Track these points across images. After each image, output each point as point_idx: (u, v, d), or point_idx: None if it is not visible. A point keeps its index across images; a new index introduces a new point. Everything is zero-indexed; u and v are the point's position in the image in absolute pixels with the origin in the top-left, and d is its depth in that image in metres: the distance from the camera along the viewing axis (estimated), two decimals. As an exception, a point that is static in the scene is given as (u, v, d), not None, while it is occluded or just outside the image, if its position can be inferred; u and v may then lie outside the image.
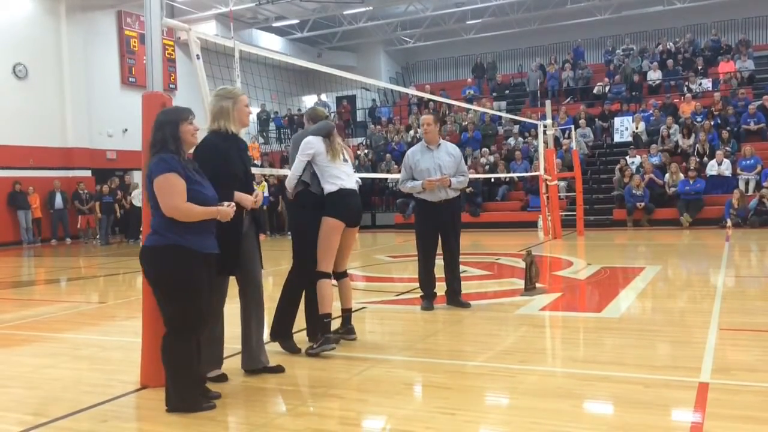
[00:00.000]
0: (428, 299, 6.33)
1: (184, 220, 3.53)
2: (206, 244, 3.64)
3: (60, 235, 18.15)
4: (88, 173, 19.36)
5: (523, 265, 7.29)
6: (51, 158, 18.56)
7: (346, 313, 5.19)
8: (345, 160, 4.92)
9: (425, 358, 4.70)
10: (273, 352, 4.71)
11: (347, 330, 5.19)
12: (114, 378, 4.38)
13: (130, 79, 20.83)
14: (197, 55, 4.67)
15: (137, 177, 18.19)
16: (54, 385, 4.30)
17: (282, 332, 4.91)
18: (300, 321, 5.10)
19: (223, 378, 4.14)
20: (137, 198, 17.07)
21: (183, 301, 3.56)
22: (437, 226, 6.25)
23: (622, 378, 3.97)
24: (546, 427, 3.26)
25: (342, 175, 4.85)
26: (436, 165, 6.21)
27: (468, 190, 17.30)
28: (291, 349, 4.85)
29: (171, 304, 3.59)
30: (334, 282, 5.02)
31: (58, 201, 17.96)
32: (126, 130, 19.90)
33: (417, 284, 6.60)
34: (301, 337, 5.16)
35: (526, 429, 3.26)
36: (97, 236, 17.91)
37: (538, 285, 7.10)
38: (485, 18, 25.14)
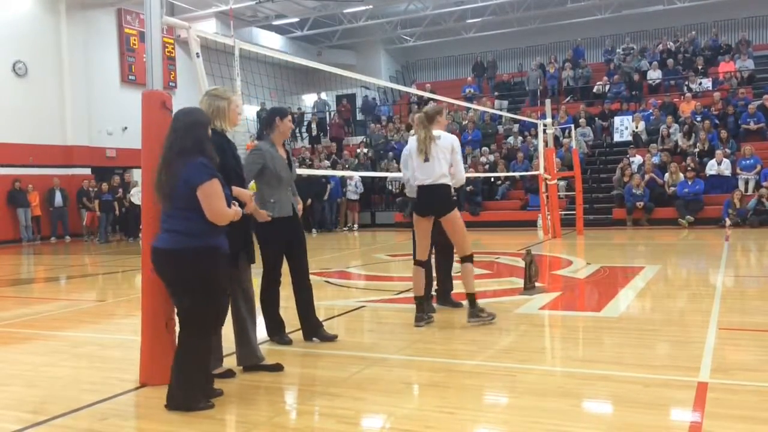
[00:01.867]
0: (428, 302, 6.20)
1: (222, 224, 3.59)
2: (226, 244, 3.74)
3: (59, 233, 18.14)
4: (87, 171, 19.34)
5: (522, 264, 7.29)
6: (51, 156, 18.54)
7: (467, 298, 5.57)
8: (426, 160, 5.41)
9: (424, 357, 4.70)
10: (271, 350, 4.71)
11: (469, 312, 5.53)
12: (113, 376, 4.38)
13: (130, 77, 20.80)
14: (197, 54, 4.68)
15: (137, 175, 18.18)
16: (53, 384, 4.30)
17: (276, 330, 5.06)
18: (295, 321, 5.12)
19: (230, 374, 4.16)
20: (136, 196, 17.04)
21: (213, 300, 3.64)
22: (434, 228, 6.16)
23: (621, 377, 3.97)
24: (545, 426, 3.26)
25: (417, 174, 5.50)
26: None
27: (468, 188, 17.32)
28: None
29: (201, 304, 3.61)
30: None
31: (58, 199, 17.96)
32: (126, 128, 19.88)
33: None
34: (297, 336, 5.17)
35: (526, 428, 3.26)
36: (98, 234, 17.89)
37: (537, 284, 7.10)
38: (485, 17, 25.12)
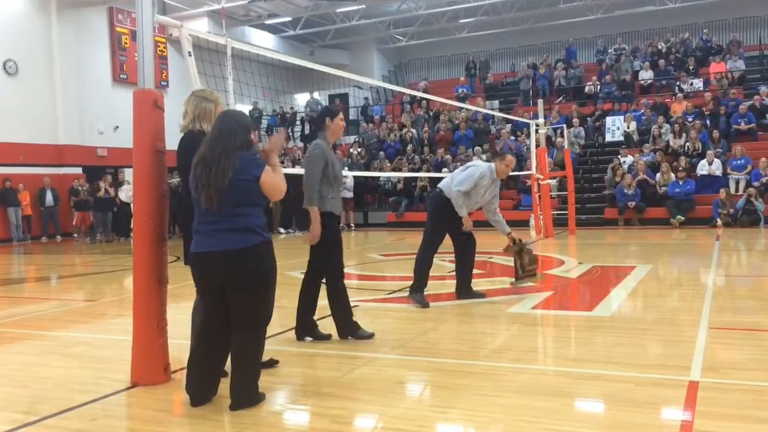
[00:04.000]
0: (423, 295, 6.38)
1: (281, 197, 3.72)
2: None
3: (50, 233, 18.05)
4: (78, 170, 19.24)
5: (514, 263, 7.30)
6: (41, 155, 18.43)
7: None
8: None
9: (417, 357, 4.70)
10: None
11: None
12: (104, 376, 4.36)
13: (122, 76, 20.71)
14: (189, 52, 4.66)
15: (128, 174, 18.08)
16: (44, 384, 4.28)
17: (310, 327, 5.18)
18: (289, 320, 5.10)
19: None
20: (125, 194, 16.93)
21: (274, 293, 3.70)
22: (454, 226, 6.51)
23: (612, 376, 3.99)
24: (537, 425, 3.26)
25: None
26: (491, 197, 6.69)
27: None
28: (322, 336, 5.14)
29: (270, 298, 3.67)
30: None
31: (49, 198, 17.85)
32: (117, 127, 19.79)
33: (410, 282, 6.58)
34: (289, 336, 5.16)
35: (518, 427, 3.27)
36: (97, 234, 17.78)
37: (532, 274, 7.10)
38: (478, 17, 25.16)
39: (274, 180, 3.61)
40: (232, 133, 3.59)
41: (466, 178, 6.44)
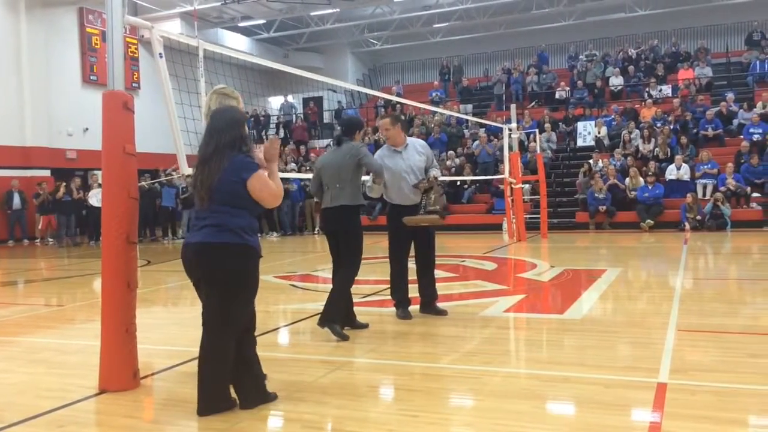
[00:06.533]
0: (404, 307, 6.08)
1: (278, 203, 3.70)
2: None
3: (17, 236, 17.69)
4: (47, 173, 18.90)
5: (487, 266, 7.34)
6: (9, 157, 18.08)
7: None
8: None
9: (389, 361, 4.70)
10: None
11: None
12: (72, 382, 4.28)
13: (92, 77, 20.41)
14: (160, 54, 4.62)
15: (98, 177, 17.79)
16: (9, 390, 4.19)
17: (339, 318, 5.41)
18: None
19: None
20: (94, 198, 16.66)
21: (250, 300, 3.67)
22: (411, 230, 5.99)
23: (583, 379, 4.03)
24: (509, 428, 3.29)
25: None
26: (408, 166, 5.94)
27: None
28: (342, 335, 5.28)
29: (239, 304, 3.60)
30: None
31: (16, 201, 17.50)
32: (87, 129, 19.49)
33: (385, 286, 6.58)
34: (267, 338, 5.12)
35: (490, 430, 3.28)
36: (62, 237, 17.47)
37: (433, 213, 6.06)
38: (452, 22, 25.31)
39: (263, 185, 3.57)
40: (223, 130, 3.61)
41: None
